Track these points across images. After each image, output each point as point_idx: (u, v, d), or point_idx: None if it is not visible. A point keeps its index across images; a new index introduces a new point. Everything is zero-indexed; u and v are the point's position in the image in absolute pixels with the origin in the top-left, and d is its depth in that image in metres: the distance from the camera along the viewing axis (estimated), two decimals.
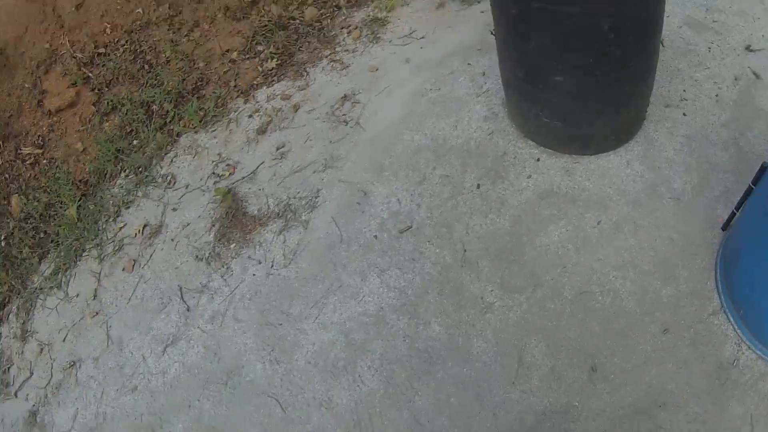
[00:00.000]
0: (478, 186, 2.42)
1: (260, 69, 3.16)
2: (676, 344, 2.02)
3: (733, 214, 2.15)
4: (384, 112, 2.80)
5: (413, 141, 2.64)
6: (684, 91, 2.76)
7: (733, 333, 2.04)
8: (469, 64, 2.95)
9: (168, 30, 3.39)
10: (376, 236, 2.34)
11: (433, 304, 2.15)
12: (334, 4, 3.43)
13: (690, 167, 2.45)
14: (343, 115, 2.82)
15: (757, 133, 2.58)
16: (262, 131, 2.85)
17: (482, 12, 3.24)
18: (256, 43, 3.27)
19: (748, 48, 2.99)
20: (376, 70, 3.02)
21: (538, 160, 2.48)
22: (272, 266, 2.32)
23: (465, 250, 2.25)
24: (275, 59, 3.15)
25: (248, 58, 3.24)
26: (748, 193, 1.96)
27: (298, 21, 3.33)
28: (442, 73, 2.93)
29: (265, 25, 3.30)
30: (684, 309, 2.09)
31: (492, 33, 2.60)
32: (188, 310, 2.29)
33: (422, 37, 3.17)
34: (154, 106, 3.12)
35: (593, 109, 2.28)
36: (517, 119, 2.59)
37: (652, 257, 2.21)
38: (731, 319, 2.07)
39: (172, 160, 2.84)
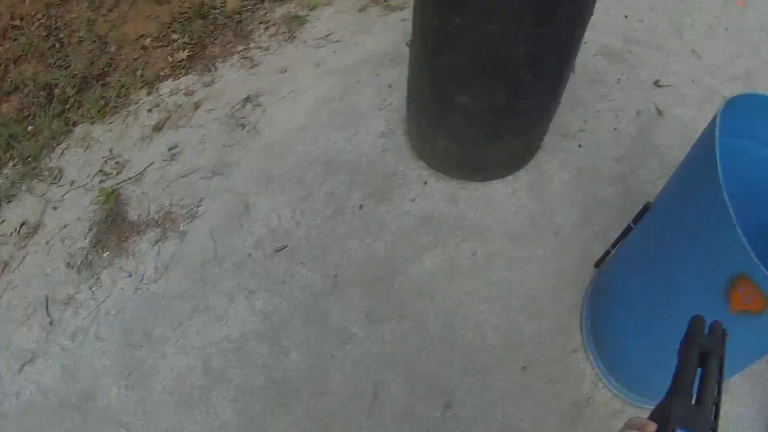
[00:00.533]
0: (361, 206, 2.39)
1: (170, 59, 3.06)
2: (534, 382, 2.04)
3: (607, 252, 2.16)
4: (283, 119, 2.74)
5: (306, 153, 2.59)
6: (585, 122, 2.76)
7: (591, 371, 2.06)
8: (378, 74, 2.91)
9: (87, 7, 3.26)
10: (250, 254, 2.29)
11: (296, 331, 2.11)
12: None
13: (575, 201, 2.45)
14: (242, 118, 2.75)
15: (648, 171, 2.59)
16: (158, 128, 2.75)
17: (403, 20, 3.21)
18: (172, 31, 3.16)
19: (656, 83, 3.00)
20: (285, 72, 2.96)
21: (426, 183, 2.45)
22: (142, 280, 2.25)
23: (336, 275, 2.22)
24: (187, 50, 3.05)
25: (161, 46, 3.13)
26: (627, 231, 1.97)
27: (218, 11, 3.23)
28: (349, 82, 2.88)
29: (185, 12, 3.19)
30: (546, 346, 2.11)
31: (408, 44, 2.56)
32: (51, 323, 2.19)
33: (338, 41, 3.11)
34: (57, 90, 3.00)
35: (491, 134, 2.28)
36: (413, 138, 2.57)
37: (521, 292, 2.21)
38: (590, 356, 2.09)
39: (63, 152, 2.72)
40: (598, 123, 2.74)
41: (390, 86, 2.83)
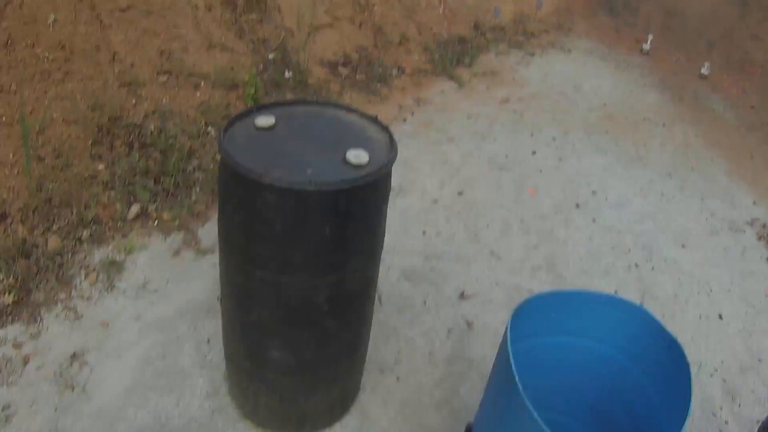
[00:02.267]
0: None
1: None
2: None
3: None
4: (112, 380, 3.01)
5: (137, 419, 2.86)
6: (398, 352, 3.09)
7: None
8: (195, 328, 3.31)
9: None
10: None
11: None
12: (77, 236, 3.72)
13: None
14: (71, 377, 3.00)
15: (469, 387, 2.83)
16: None
17: (213, 265, 3.66)
18: None
19: (461, 295, 3.40)
20: (108, 325, 3.31)
21: None
22: None
23: None
24: (13, 294, 3.27)
25: None
26: None
27: (41, 250, 3.54)
28: (169, 338, 3.24)
29: (8, 249, 3.43)
30: None
31: (218, 299, 2.85)
32: None
33: (155, 290, 3.54)
34: None
35: (308, 384, 2.46)
36: (237, 397, 2.80)
37: None
38: None
39: None
40: (412, 350, 3.03)
41: (209, 341, 3.23)
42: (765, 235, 5.40)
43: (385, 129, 2.45)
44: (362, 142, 2.27)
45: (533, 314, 1.87)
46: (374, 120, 2.54)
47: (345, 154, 2.13)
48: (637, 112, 7.60)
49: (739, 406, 3.59)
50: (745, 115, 8.49)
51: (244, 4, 5.95)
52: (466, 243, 3.95)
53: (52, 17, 4.37)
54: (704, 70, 9.28)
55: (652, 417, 1.99)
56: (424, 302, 3.37)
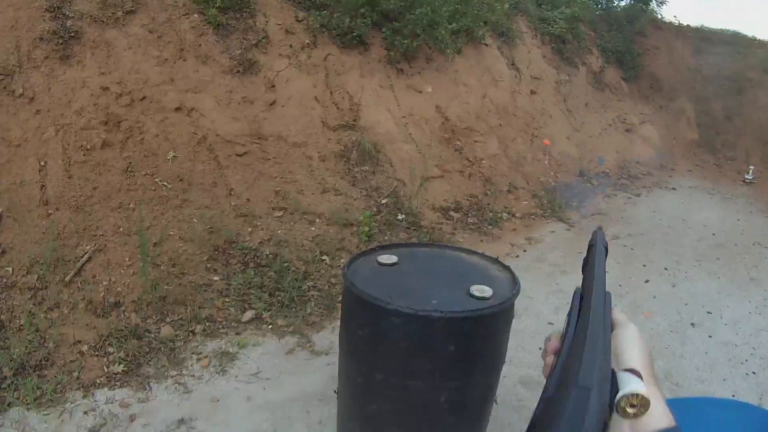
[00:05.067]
0: None
1: (106, 369, 3.32)
2: None
3: None
4: None
5: None
6: None
7: None
8: (308, 411, 3.25)
9: (30, 299, 3.54)
10: None
11: None
12: (190, 329, 3.80)
13: None
14: None
15: None
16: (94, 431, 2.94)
17: (328, 365, 3.65)
18: (108, 344, 3.47)
19: None
20: (218, 401, 3.28)
21: None
22: None
23: None
24: (123, 364, 3.34)
25: (97, 355, 3.40)
26: None
27: (153, 335, 3.63)
28: (279, 417, 3.19)
29: (121, 330, 3.56)
30: None
31: (335, 392, 2.87)
32: None
33: (267, 379, 3.50)
34: None
35: None
36: None
37: None
38: None
39: None
40: None
41: (320, 422, 3.17)
42: None
43: (507, 268, 2.73)
44: (485, 280, 2.48)
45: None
46: (495, 260, 2.81)
47: (469, 289, 2.35)
48: (747, 238, 7.57)
49: None
50: None
51: (357, 157, 6.43)
52: None
53: (171, 154, 4.91)
54: None
55: None
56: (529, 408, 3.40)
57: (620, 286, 5.61)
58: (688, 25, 13.97)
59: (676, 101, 11.62)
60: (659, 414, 0.74)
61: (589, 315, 0.78)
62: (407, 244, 2.93)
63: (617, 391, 0.69)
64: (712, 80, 12.00)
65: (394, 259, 2.59)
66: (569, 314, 0.84)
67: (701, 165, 10.75)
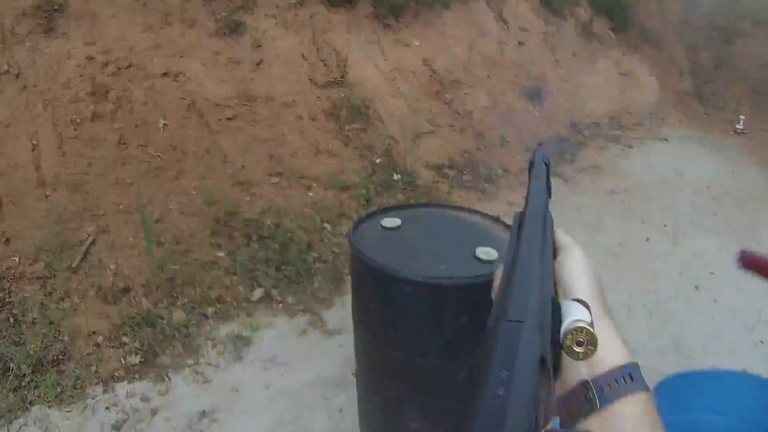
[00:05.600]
0: None
1: (123, 362, 3.28)
2: None
3: None
4: None
5: None
6: None
7: None
8: (327, 398, 3.25)
9: (39, 290, 3.45)
10: None
11: None
12: (201, 312, 3.75)
13: None
14: (202, 431, 2.96)
15: None
16: (117, 427, 2.89)
17: (341, 346, 3.64)
18: (123, 334, 3.42)
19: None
20: (237, 391, 3.26)
21: None
22: None
23: None
24: (139, 355, 3.30)
25: (113, 347, 3.35)
26: None
27: (166, 321, 3.58)
28: (300, 406, 3.19)
29: (134, 317, 3.49)
30: None
31: (353, 375, 2.92)
32: None
33: (284, 363, 3.49)
34: (12, 364, 3.09)
35: None
36: None
37: None
38: None
39: (20, 428, 2.79)
40: None
41: (341, 411, 3.17)
42: None
43: (509, 227, 2.54)
44: (488, 241, 2.43)
45: (667, 395, 1.79)
46: (496, 220, 2.73)
47: (475, 252, 2.30)
48: (742, 191, 7.60)
49: None
50: None
51: (347, 115, 6.30)
52: None
53: (161, 122, 4.76)
54: None
55: None
56: None
57: (621, 245, 5.65)
58: None
59: (665, 51, 11.56)
60: (614, 349, 0.68)
61: (524, 243, 0.71)
62: (408, 206, 2.85)
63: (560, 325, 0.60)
64: (702, 30, 11.97)
65: (397, 222, 2.55)
66: (509, 243, 0.77)
67: (692, 115, 10.77)
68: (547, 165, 0.96)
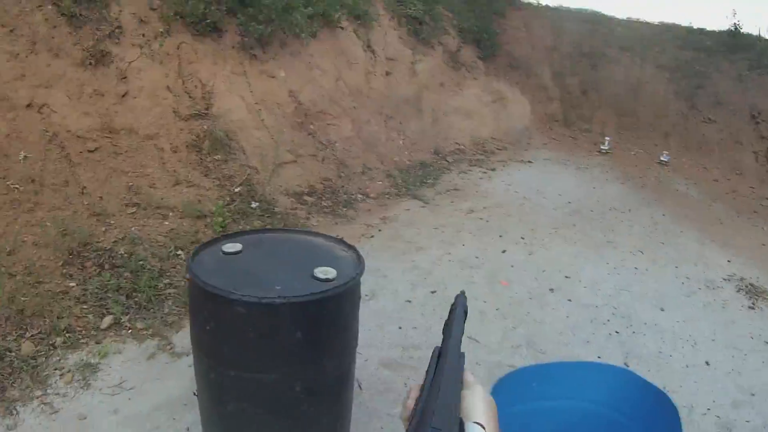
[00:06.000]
0: None
1: None
2: None
3: None
4: None
5: None
6: (381, 428, 3.32)
7: None
8: (174, 419, 3.43)
9: None
10: None
11: None
12: (50, 342, 3.93)
13: None
14: None
15: None
16: None
17: (189, 366, 3.71)
18: None
19: None
20: (85, 419, 3.42)
21: None
22: None
23: None
24: None
25: None
26: None
27: (14, 353, 3.74)
28: (148, 428, 3.37)
29: None
30: None
31: (195, 394, 3.03)
32: None
33: (131, 388, 3.67)
34: None
35: None
36: None
37: None
38: None
39: None
40: (395, 427, 3.01)
41: (188, 430, 3.35)
42: (744, 287, 5.76)
43: (351, 247, 2.84)
44: (330, 261, 2.58)
45: (513, 387, 2.01)
46: (340, 241, 2.92)
47: (313, 272, 2.43)
48: (602, 204, 8.19)
49: None
50: (708, 188, 9.33)
51: (210, 146, 6.57)
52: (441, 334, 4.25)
53: (22, 154, 4.88)
54: (663, 158, 10.29)
55: None
56: (405, 384, 3.60)
57: (477, 258, 5.97)
58: (546, 5, 14.76)
59: (533, 78, 12.26)
60: None
61: (444, 372, 0.92)
62: (254, 231, 2.98)
63: None
64: (570, 57, 12.71)
65: (238, 247, 2.63)
66: (428, 370, 0.97)
67: (557, 138, 11.47)
68: (465, 312, 1.16)
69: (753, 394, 4.17)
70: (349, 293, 2.47)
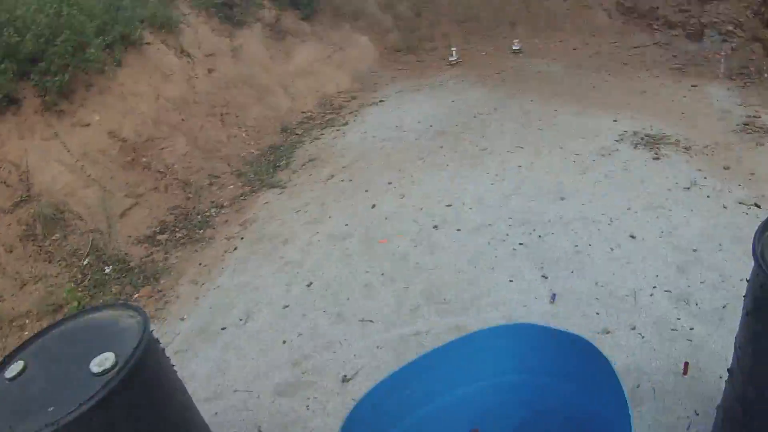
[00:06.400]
0: None
1: None
2: None
3: None
4: None
5: None
6: None
7: None
8: None
9: None
10: None
11: None
12: None
13: None
14: None
15: None
16: None
17: None
18: None
19: (344, 379, 3.40)
20: None
21: None
22: None
23: None
24: None
25: None
26: None
27: None
28: None
29: None
30: None
31: None
32: None
33: None
34: None
35: None
36: None
37: None
38: None
39: None
40: None
41: None
42: (640, 140, 5.55)
43: (136, 309, 2.53)
44: (108, 343, 2.30)
45: (381, 404, 1.80)
46: (125, 306, 2.60)
47: (90, 366, 2.16)
48: (465, 114, 7.92)
49: (697, 304, 3.51)
50: (570, 59, 9.23)
51: (44, 229, 6.51)
52: (332, 327, 3.95)
53: None
54: (515, 47, 10.21)
55: (594, 415, 1.89)
56: (307, 407, 3.39)
57: (347, 225, 5.61)
58: None
59: (363, 18, 11.88)
60: None
61: None
62: (36, 336, 2.55)
63: None
64: None
65: (20, 366, 2.32)
66: None
67: (405, 67, 11.13)
68: None
69: (695, 249, 3.96)
70: (138, 373, 2.17)
